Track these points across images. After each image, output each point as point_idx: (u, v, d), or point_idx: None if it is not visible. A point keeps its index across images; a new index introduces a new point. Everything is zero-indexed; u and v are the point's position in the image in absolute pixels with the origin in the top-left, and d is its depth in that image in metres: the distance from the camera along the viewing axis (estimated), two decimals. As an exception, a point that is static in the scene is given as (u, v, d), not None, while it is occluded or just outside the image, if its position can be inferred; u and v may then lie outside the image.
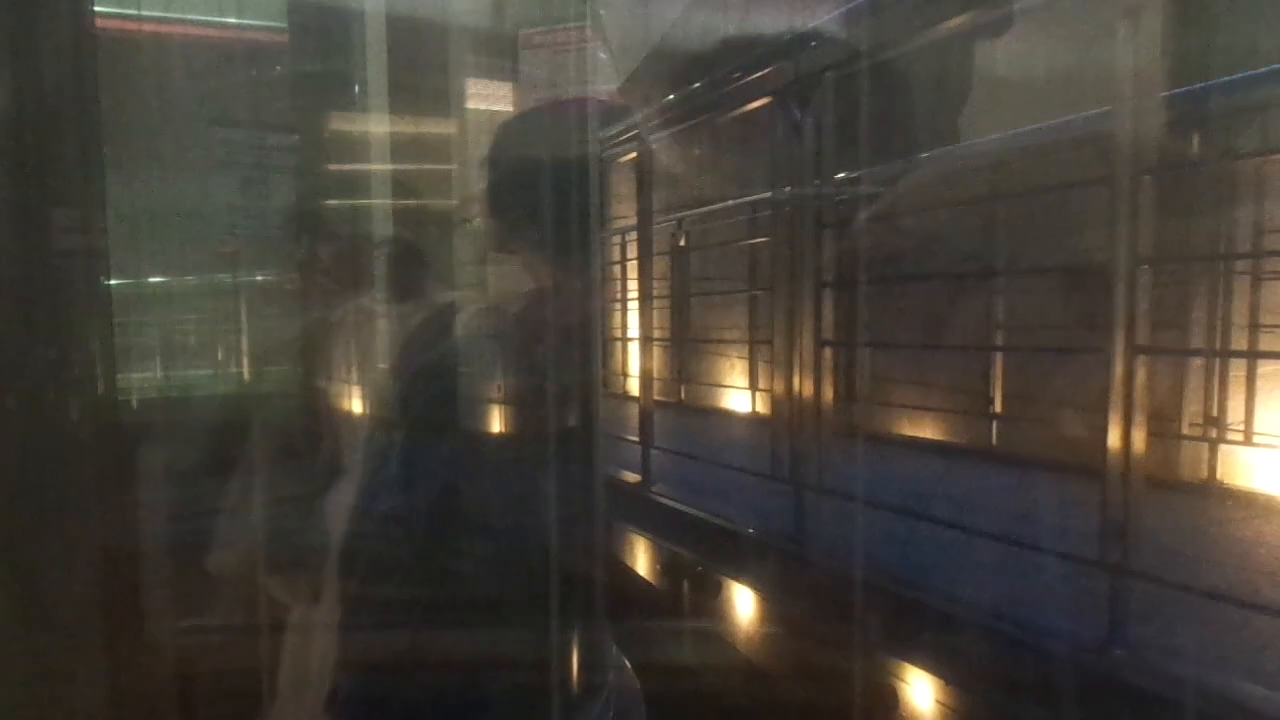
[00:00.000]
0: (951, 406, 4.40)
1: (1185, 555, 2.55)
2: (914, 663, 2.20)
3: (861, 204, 3.60)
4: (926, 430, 4.55)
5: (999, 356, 4.18)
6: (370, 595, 1.65)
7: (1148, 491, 1.96)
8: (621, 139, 4.01)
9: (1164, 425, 3.35)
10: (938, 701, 2.14)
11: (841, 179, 3.31)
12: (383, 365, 2.14)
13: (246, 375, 2.58)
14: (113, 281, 1.30)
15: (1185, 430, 3.45)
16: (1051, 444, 3.57)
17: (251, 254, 2.30)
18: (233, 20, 2.34)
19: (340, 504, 1.86)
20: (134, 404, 2.04)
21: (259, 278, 2.45)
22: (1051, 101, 3.55)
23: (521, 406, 2.13)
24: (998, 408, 4.16)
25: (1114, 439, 1.92)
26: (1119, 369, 1.90)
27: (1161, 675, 1.77)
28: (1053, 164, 3.63)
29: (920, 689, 2.19)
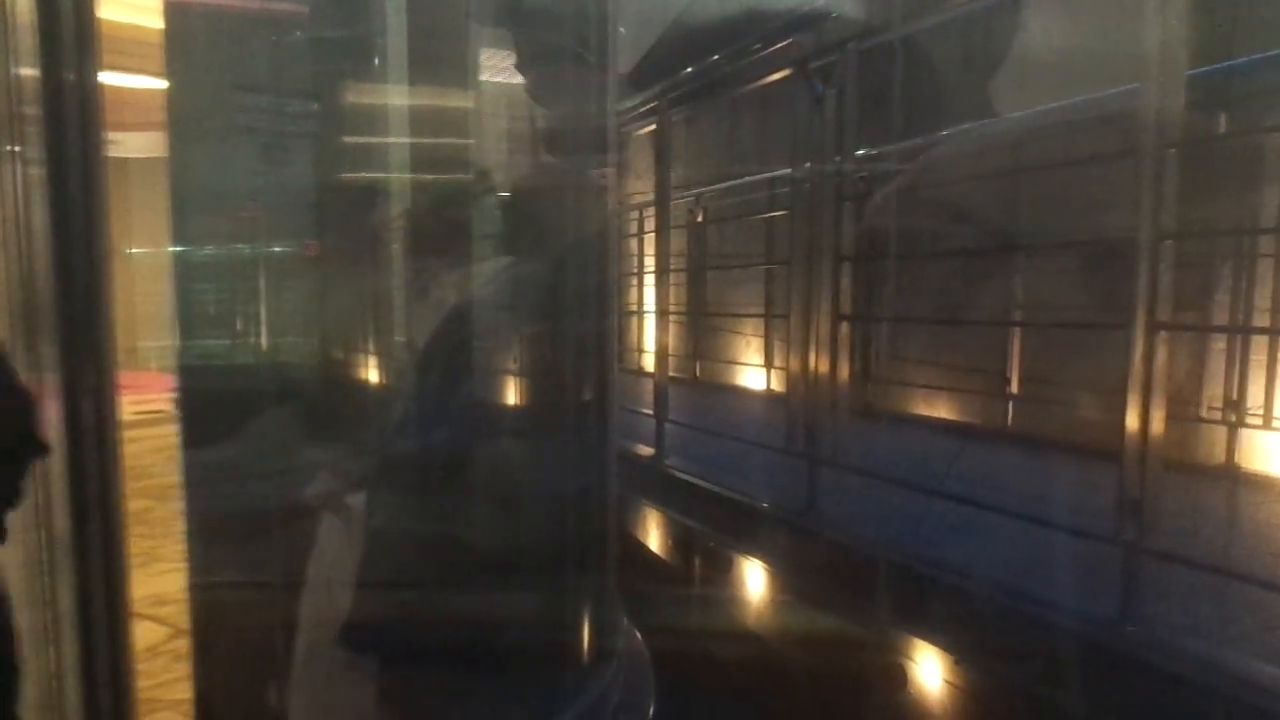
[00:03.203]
0: (968, 386, 4.38)
1: (1201, 536, 2.54)
2: (924, 637, 2.21)
3: (882, 179, 3.57)
4: (942, 410, 4.53)
5: (1017, 337, 4.14)
6: (384, 538, 1.69)
7: (1165, 473, 1.95)
8: (639, 112, 4.00)
9: (1183, 408, 3.32)
10: (946, 675, 2.15)
11: (863, 154, 3.28)
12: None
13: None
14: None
15: (1204, 413, 3.41)
16: (1069, 425, 3.54)
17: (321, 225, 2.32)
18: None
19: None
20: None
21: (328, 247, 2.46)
22: (1078, 77, 3.50)
23: (536, 378, 2.14)
24: (1014, 388, 4.13)
25: (1132, 419, 1.90)
26: (1139, 347, 1.88)
27: (1173, 652, 1.76)
28: (1078, 141, 3.58)
29: (929, 663, 2.19)
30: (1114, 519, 1.94)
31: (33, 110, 1.25)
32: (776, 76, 3.18)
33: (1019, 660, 2.02)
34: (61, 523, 1.12)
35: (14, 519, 1.03)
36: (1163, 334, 1.89)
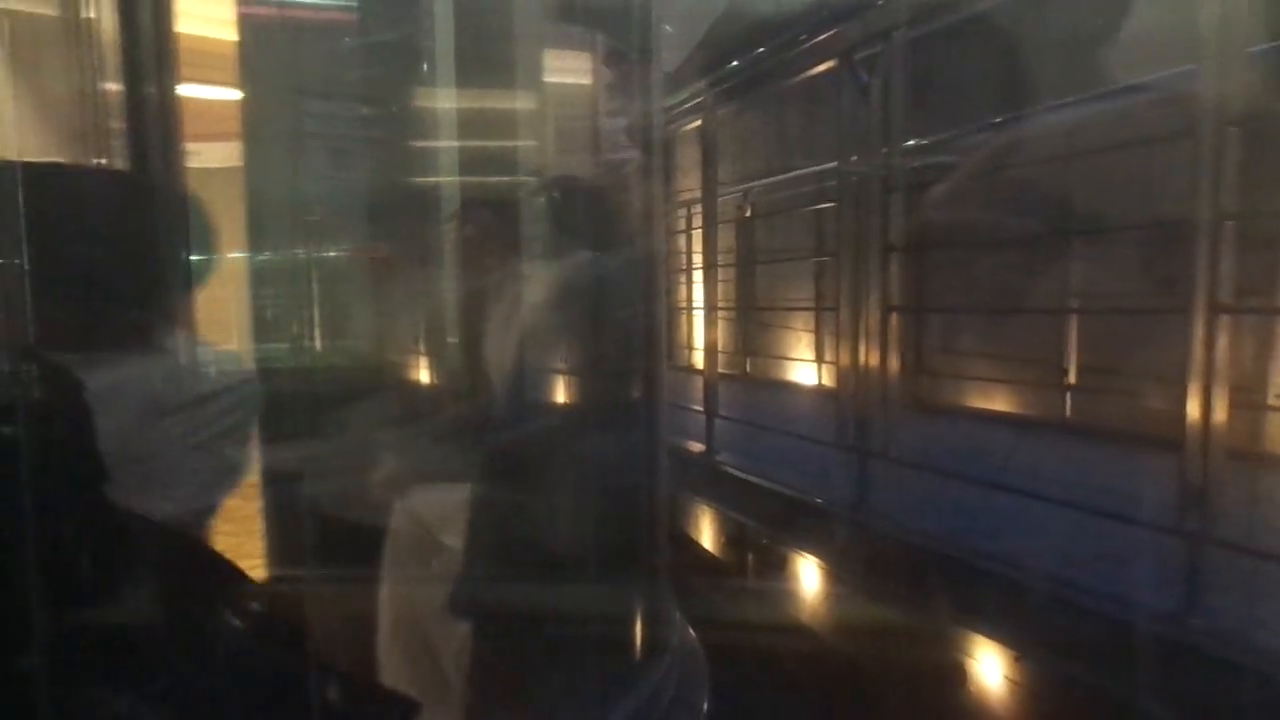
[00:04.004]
0: (1024, 378, 4.30)
1: (1269, 527, 2.47)
2: (982, 632, 2.18)
3: (931, 169, 3.52)
4: (998, 402, 4.46)
5: (1074, 327, 4.06)
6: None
7: (1229, 463, 1.89)
8: (685, 108, 3.99)
9: (1249, 395, 3.22)
10: (1006, 671, 2.12)
11: (910, 144, 3.24)
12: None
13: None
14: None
15: (1271, 401, 3.32)
16: (1130, 416, 3.46)
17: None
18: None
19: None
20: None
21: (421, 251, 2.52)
22: (1138, 59, 3.42)
23: (586, 374, 2.15)
24: (1072, 379, 4.05)
25: (1193, 407, 1.86)
26: (1199, 331, 1.83)
27: (1238, 644, 1.72)
28: (1137, 126, 3.50)
29: (988, 659, 2.16)
30: (1177, 510, 1.89)
31: (117, 123, 1.28)
32: (822, 68, 3.15)
33: (1080, 655, 1.98)
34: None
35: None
36: (1226, 319, 1.83)
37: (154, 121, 1.29)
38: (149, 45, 1.29)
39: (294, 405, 1.71)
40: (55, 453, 0.91)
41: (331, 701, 1.16)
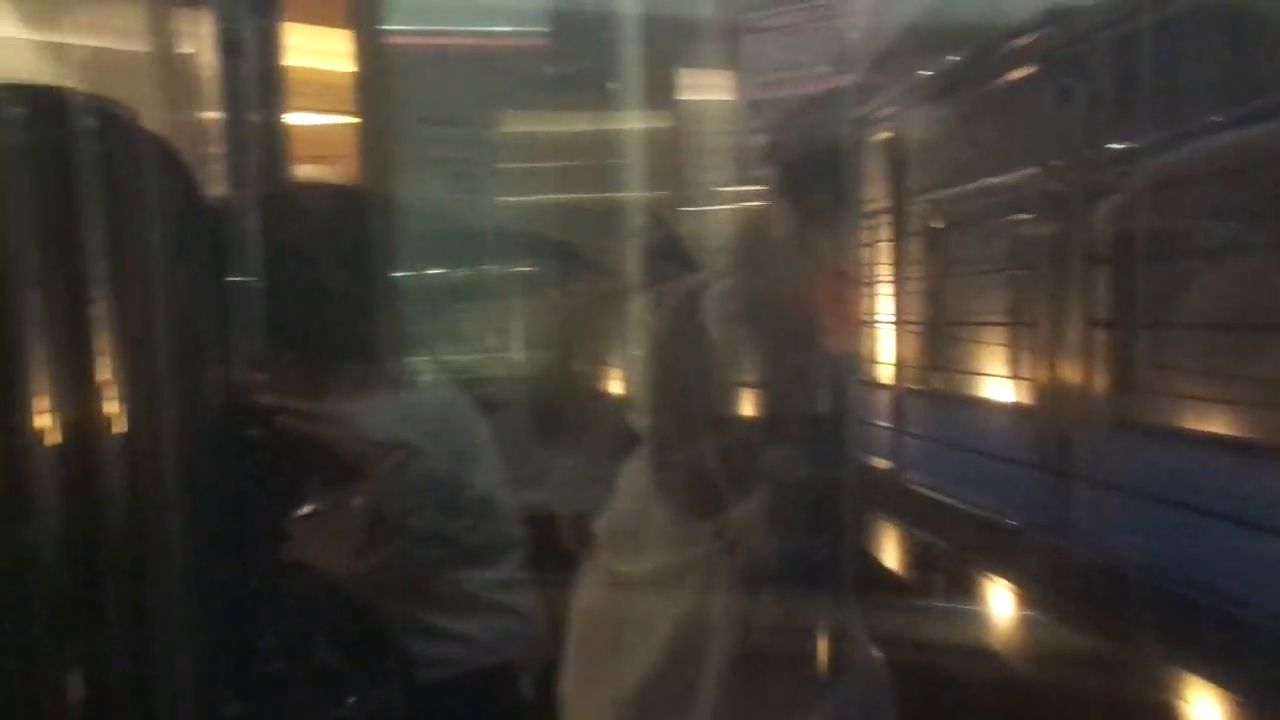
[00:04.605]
0: (1250, 398, 3.96)
1: None
2: (1197, 671, 2.03)
3: (1142, 175, 3.30)
4: (1218, 424, 4.12)
5: (1309, 342, 3.70)
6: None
7: None
8: (875, 118, 3.93)
9: None
10: (1227, 716, 1.96)
11: (1117, 149, 3.07)
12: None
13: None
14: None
15: None
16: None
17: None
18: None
19: None
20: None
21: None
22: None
23: (770, 389, 2.16)
24: (1306, 400, 3.69)
25: None
26: None
27: None
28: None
29: (1203, 701, 2.01)
30: None
31: (215, 150, 1.37)
32: (1020, 73, 3.05)
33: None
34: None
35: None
36: None
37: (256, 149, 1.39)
38: (254, 78, 1.38)
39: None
40: (297, 455, 1.00)
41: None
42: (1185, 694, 2.05)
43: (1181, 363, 4.24)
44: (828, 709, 1.86)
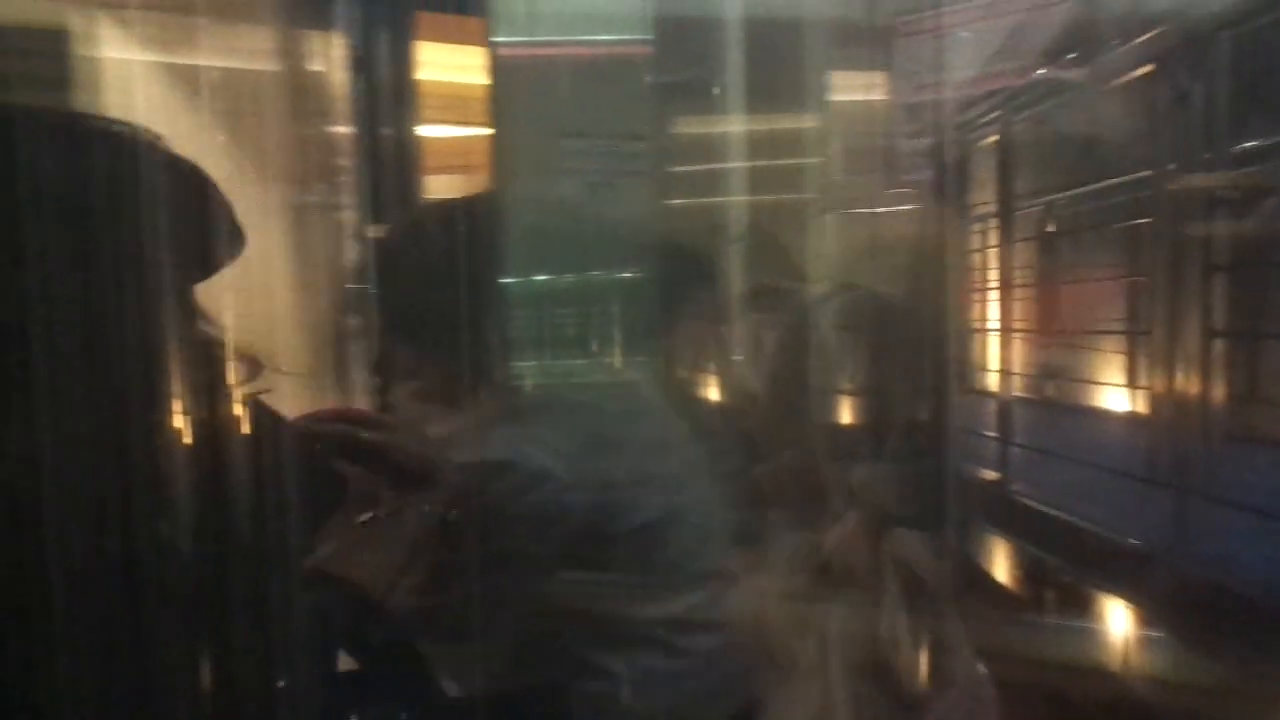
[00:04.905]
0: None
1: None
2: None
3: (1262, 179, 3.15)
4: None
5: None
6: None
7: None
8: (983, 121, 3.86)
9: None
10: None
11: (1238, 151, 2.95)
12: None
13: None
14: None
15: None
16: None
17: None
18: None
19: None
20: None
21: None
22: None
23: (872, 398, 2.16)
24: None
25: None
26: None
27: None
28: None
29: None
30: None
31: (347, 162, 1.43)
32: (1135, 74, 2.95)
33: None
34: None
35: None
36: None
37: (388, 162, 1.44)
38: (386, 94, 1.43)
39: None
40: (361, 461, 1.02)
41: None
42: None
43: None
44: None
